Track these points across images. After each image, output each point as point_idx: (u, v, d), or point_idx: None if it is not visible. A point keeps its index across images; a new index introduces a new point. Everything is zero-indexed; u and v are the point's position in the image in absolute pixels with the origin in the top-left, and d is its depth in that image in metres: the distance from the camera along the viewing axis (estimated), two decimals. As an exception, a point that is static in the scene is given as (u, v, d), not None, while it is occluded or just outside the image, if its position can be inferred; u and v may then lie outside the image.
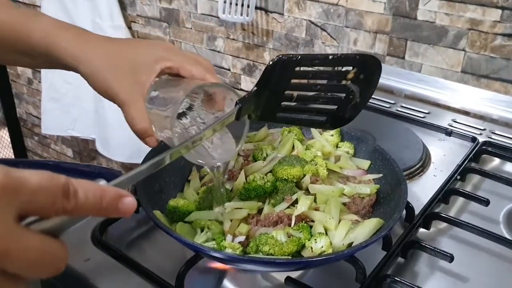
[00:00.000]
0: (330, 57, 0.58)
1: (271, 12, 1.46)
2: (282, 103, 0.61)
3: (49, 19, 0.66)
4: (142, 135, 0.66)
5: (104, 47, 0.65)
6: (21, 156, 2.83)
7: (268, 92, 0.59)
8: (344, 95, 0.60)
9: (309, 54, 0.63)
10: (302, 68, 0.58)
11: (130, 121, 0.64)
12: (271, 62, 0.57)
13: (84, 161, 2.51)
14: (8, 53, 0.67)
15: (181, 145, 0.54)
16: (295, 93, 0.59)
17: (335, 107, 0.62)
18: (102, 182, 0.40)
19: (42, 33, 0.64)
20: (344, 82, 0.58)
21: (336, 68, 0.58)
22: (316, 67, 0.58)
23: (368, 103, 1.18)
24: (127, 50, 0.65)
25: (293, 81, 0.59)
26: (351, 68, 0.59)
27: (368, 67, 0.59)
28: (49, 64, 0.67)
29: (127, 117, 0.64)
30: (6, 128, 2.75)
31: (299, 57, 0.57)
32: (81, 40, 0.64)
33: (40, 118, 2.29)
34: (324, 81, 0.61)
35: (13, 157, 2.82)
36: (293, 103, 0.61)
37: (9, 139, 2.79)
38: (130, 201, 0.39)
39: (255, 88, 0.58)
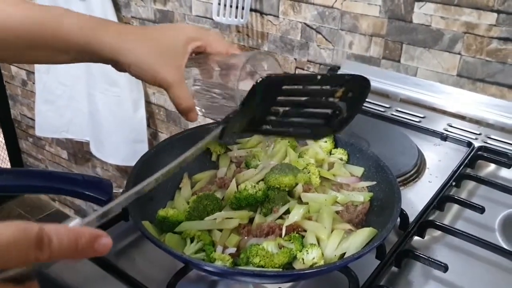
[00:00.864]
0: (319, 77, 0.56)
1: (266, 15, 1.45)
2: (268, 118, 0.60)
3: (83, 16, 0.70)
4: (187, 112, 0.71)
5: (143, 37, 0.69)
6: (16, 157, 2.81)
7: (254, 109, 0.58)
8: (330, 111, 0.59)
9: (297, 74, 0.62)
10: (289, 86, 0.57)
11: (176, 101, 0.69)
12: (258, 81, 0.55)
13: (79, 163, 2.49)
14: (42, 50, 0.69)
15: (162, 171, 0.53)
16: (281, 109, 0.58)
17: (321, 121, 0.61)
18: (76, 221, 0.39)
19: (80, 30, 0.67)
20: (331, 99, 0.57)
21: (324, 87, 0.57)
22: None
23: (363, 106, 1.18)
24: (161, 36, 0.70)
25: (280, 98, 0.58)
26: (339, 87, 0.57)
27: (357, 86, 0.57)
28: (83, 59, 0.70)
29: (174, 98, 0.69)
30: (0, 130, 2.73)
31: (287, 76, 0.56)
32: (122, 34, 0.68)
33: (34, 120, 2.27)
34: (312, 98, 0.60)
35: (7, 158, 2.80)
36: (279, 118, 0.60)
37: (3, 141, 2.77)
38: (106, 241, 0.39)
39: (241, 106, 0.57)
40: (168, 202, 0.77)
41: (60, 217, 2.75)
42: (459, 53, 1.17)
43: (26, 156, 2.81)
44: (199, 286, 0.69)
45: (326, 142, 0.84)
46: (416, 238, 0.78)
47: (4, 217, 2.70)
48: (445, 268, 0.67)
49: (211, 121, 0.81)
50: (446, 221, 0.82)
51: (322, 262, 0.60)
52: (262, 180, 0.74)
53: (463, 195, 0.89)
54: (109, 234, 0.75)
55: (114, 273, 0.69)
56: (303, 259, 0.60)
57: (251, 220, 0.69)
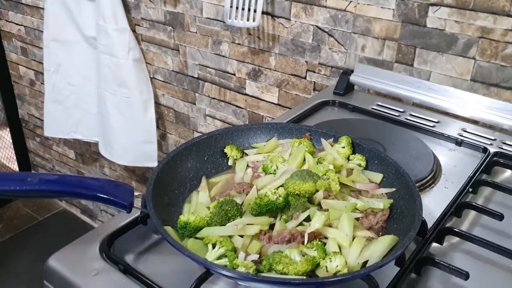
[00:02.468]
0: None
1: (278, 17, 1.45)
2: None
3: None
4: None
5: None
6: (23, 157, 2.82)
7: None
8: None
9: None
10: None
11: None
12: None
13: (86, 163, 2.49)
14: None
15: None
16: None
17: None
18: None
19: None
20: None
21: None
22: None
23: (376, 110, 1.18)
24: None
25: None
26: None
27: None
28: None
29: None
30: (8, 129, 2.74)
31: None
32: None
33: (42, 120, 2.27)
34: None
35: (14, 158, 2.81)
36: None
37: (10, 140, 2.78)
38: None
39: None
40: (185, 205, 0.77)
41: (67, 217, 2.76)
42: (473, 58, 1.16)
43: (33, 155, 2.82)
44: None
45: (344, 147, 0.84)
46: (434, 244, 0.78)
47: (11, 216, 2.71)
48: (466, 276, 0.67)
49: (218, 122, 0.81)
50: (464, 227, 0.82)
51: (345, 270, 0.60)
52: (282, 186, 0.74)
53: (480, 201, 0.89)
54: (128, 238, 0.77)
55: (133, 277, 0.70)
56: (326, 267, 0.60)
57: (271, 226, 0.69)
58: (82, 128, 2.13)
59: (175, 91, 1.87)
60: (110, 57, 1.81)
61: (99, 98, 1.95)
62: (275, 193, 0.70)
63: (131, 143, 1.92)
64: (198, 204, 0.74)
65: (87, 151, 2.44)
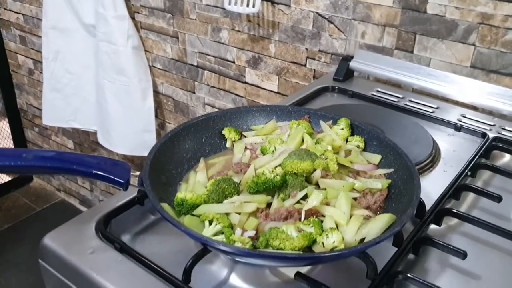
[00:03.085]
0: None
1: (278, 4, 1.44)
2: None
3: None
4: None
5: None
6: (21, 147, 2.81)
7: None
8: None
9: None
10: None
11: None
12: None
13: (85, 152, 2.49)
14: None
15: None
16: None
17: None
18: None
19: None
20: None
21: None
22: None
23: (376, 96, 1.18)
24: None
25: None
26: None
27: None
28: None
29: None
30: (6, 119, 2.73)
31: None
32: None
33: (40, 109, 2.27)
34: None
35: (13, 148, 2.80)
36: None
37: (9, 130, 2.77)
38: None
39: None
40: (183, 185, 0.76)
41: (64, 207, 2.75)
42: (473, 44, 1.16)
43: (32, 145, 2.81)
44: (215, 271, 0.68)
45: (342, 129, 0.83)
46: (432, 226, 0.77)
47: (9, 206, 2.70)
48: (463, 255, 0.67)
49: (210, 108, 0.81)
50: (462, 209, 0.82)
51: (342, 246, 0.60)
52: (280, 165, 0.73)
53: (479, 184, 0.88)
54: (125, 218, 0.77)
55: (130, 256, 0.69)
56: (323, 243, 0.60)
57: (269, 205, 0.69)
58: (81, 117, 2.12)
59: (174, 79, 1.86)
60: (109, 45, 1.80)
61: (97, 86, 1.94)
62: (272, 171, 0.69)
63: (130, 132, 1.92)
64: (196, 183, 0.74)
65: (86, 141, 2.44)
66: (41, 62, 2.18)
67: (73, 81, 2.06)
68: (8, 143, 2.82)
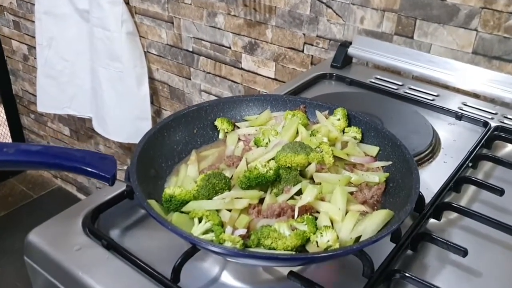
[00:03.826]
0: None
1: (274, -12, 1.40)
2: None
3: None
4: None
5: None
6: (17, 134, 2.78)
7: None
8: None
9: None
10: None
11: None
12: None
13: (81, 140, 2.46)
14: None
15: None
16: None
17: None
18: None
19: None
20: None
21: None
22: None
23: (375, 84, 1.15)
24: None
25: None
26: None
27: None
28: None
29: None
30: (2, 106, 2.70)
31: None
32: None
33: (36, 96, 2.23)
34: None
35: (9, 135, 2.77)
36: None
37: (4, 117, 2.74)
38: None
39: None
40: (172, 178, 0.74)
41: (62, 194, 2.73)
42: (475, 30, 1.12)
43: (28, 132, 2.79)
44: (206, 270, 0.66)
45: (339, 120, 0.80)
46: (431, 220, 0.75)
47: (6, 194, 2.69)
48: (464, 252, 0.64)
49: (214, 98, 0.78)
50: (463, 203, 0.79)
51: (337, 245, 0.57)
52: (273, 159, 0.70)
53: (480, 176, 0.86)
54: (114, 213, 0.74)
55: (117, 253, 0.67)
56: (317, 242, 0.57)
57: (261, 200, 0.66)
58: (76, 104, 2.09)
59: (170, 65, 1.82)
60: (103, 31, 1.76)
61: (92, 73, 1.91)
62: (265, 166, 0.67)
63: (125, 119, 1.89)
64: (186, 178, 0.71)
65: (82, 128, 2.41)
66: (35, 48, 2.14)
67: (68, 68, 2.03)
68: (4, 130, 2.79)
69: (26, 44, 2.36)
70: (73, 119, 2.40)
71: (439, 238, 0.67)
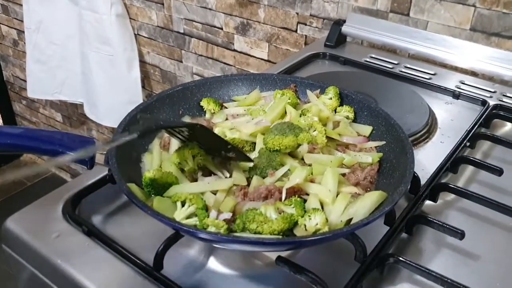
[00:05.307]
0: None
1: (266, -34, 1.36)
2: None
3: None
4: None
5: None
6: (9, 120, 2.74)
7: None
8: None
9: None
10: None
11: None
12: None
13: (74, 126, 2.42)
14: None
15: None
16: None
17: None
18: None
19: None
20: None
21: None
22: None
23: (370, 63, 1.11)
24: None
25: None
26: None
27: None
28: None
29: None
30: (-7, 92, 2.66)
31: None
32: None
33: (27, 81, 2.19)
34: None
35: (0, 121, 2.73)
36: None
37: (-4, 103, 2.70)
38: None
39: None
40: (146, 156, 0.69)
41: (56, 181, 2.70)
42: (473, 5, 1.08)
43: (20, 119, 2.75)
44: (192, 254, 0.63)
45: (331, 99, 0.77)
46: (427, 202, 0.72)
47: None
48: (461, 235, 0.62)
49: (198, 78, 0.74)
50: (460, 184, 0.76)
51: (326, 229, 0.54)
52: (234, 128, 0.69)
53: (478, 156, 0.82)
54: (96, 197, 0.71)
55: (99, 240, 0.64)
56: (305, 225, 0.54)
57: (249, 183, 0.63)
58: (67, 89, 2.05)
59: (161, 48, 1.78)
60: (92, 13, 1.72)
61: (82, 57, 1.87)
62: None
63: (116, 103, 1.85)
64: (165, 161, 0.67)
65: (74, 114, 2.37)
66: (24, 32, 2.09)
67: (57, 52, 1.98)
68: (-4, 117, 2.75)
69: (15, 28, 2.31)
70: (65, 105, 2.36)
71: (435, 221, 0.64)
